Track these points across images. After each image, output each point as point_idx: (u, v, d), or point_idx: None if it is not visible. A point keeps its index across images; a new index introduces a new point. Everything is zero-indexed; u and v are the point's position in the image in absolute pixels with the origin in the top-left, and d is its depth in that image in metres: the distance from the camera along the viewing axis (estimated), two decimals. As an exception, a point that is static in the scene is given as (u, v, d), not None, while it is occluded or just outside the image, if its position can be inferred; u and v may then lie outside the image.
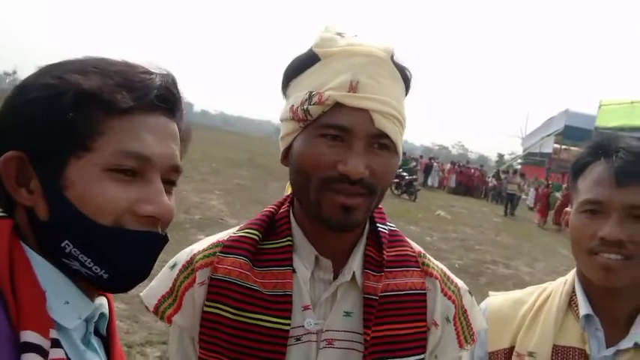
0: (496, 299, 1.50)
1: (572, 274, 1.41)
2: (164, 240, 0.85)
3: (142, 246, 0.81)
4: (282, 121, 1.09)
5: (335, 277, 1.11)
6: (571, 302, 1.36)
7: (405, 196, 21.66)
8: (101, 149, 0.77)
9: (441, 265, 1.24)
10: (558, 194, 21.87)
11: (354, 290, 1.11)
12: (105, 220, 0.77)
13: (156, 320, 4.79)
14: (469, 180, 32.29)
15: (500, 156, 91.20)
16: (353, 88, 0.99)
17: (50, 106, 0.76)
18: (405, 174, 22.39)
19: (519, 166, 43.62)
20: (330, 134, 1.00)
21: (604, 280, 1.25)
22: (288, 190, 1.23)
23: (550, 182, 26.58)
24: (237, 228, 1.18)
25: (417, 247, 1.22)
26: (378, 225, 1.17)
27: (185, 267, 1.13)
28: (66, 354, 0.76)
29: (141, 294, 1.17)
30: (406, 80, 1.08)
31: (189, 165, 18.65)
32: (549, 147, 40.44)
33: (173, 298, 1.13)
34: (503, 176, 31.86)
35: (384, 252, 1.14)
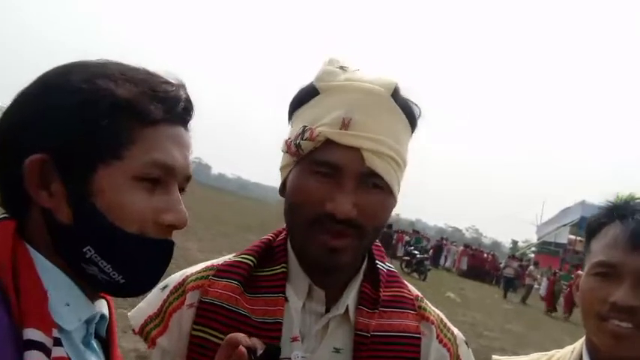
0: None
1: (580, 341, 1.33)
2: (174, 246, 0.86)
3: (161, 253, 0.84)
4: (282, 152, 1.08)
5: (327, 311, 1.07)
6: None
7: (415, 274, 21.31)
8: (131, 158, 0.78)
9: (437, 311, 1.19)
10: (565, 284, 21.64)
11: (345, 326, 1.07)
12: (132, 229, 0.78)
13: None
14: (481, 264, 31.78)
15: (514, 242, 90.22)
16: (345, 125, 0.97)
17: (84, 112, 0.76)
18: (416, 252, 22.20)
19: (532, 255, 43.04)
20: (320, 171, 0.98)
21: (613, 349, 1.17)
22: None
23: (557, 271, 26.34)
24: (234, 254, 1.16)
25: (414, 291, 1.18)
26: (377, 263, 1.14)
27: (176, 288, 1.12)
28: (67, 354, 0.76)
29: (128, 314, 1.15)
30: (411, 117, 1.04)
31: (200, 225, 18.71)
32: (564, 237, 40.10)
33: (160, 319, 1.10)
34: (515, 264, 31.50)
35: (381, 290, 1.10)
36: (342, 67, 1.04)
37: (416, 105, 1.05)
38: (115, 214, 0.77)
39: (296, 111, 1.07)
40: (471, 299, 18.47)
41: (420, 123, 1.07)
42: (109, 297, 0.91)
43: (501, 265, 32.49)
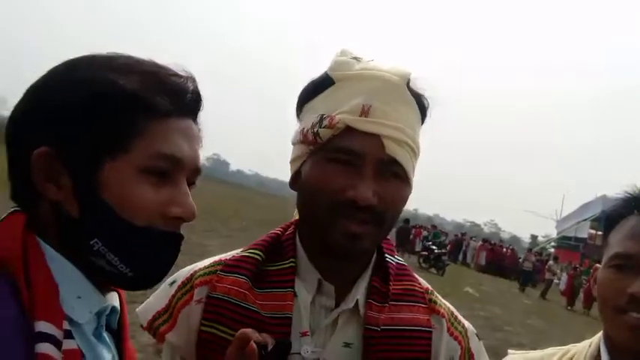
0: (514, 358, 1.43)
1: (598, 336, 1.32)
2: (182, 239, 0.86)
3: (169, 246, 0.84)
4: (292, 144, 1.08)
5: (337, 306, 1.07)
6: None
7: (433, 270, 21.18)
8: (137, 151, 0.78)
9: (448, 304, 1.19)
10: (585, 279, 21.40)
11: (355, 321, 1.07)
12: (139, 222, 0.78)
13: None
14: (500, 259, 31.52)
15: (534, 237, 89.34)
16: (365, 112, 0.97)
17: (90, 105, 0.77)
18: (434, 247, 22.07)
19: (552, 250, 42.58)
20: (340, 159, 0.98)
21: (631, 342, 1.17)
22: (296, 216, 1.20)
23: (577, 266, 26.03)
24: (242, 249, 1.15)
25: (425, 284, 1.18)
26: (386, 256, 1.14)
27: (184, 284, 1.11)
28: (78, 346, 0.77)
29: (137, 310, 1.15)
30: (422, 108, 1.05)
31: (218, 221, 18.79)
32: (585, 232, 39.59)
33: (168, 314, 1.10)
34: (534, 258, 31.22)
35: (390, 284, 1.10)
36: (355, 58, 1.04)
37: (425, 97, 1.06)
38: (123, 207, 0.77)
39: (308, 103, 1.06)
40: (489, 294, 18.33)
41: (430, 114, 1.07)
42: (120, 290, 0.91)
43: (520, 260, 32.26)
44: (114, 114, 0.77)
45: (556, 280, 26.49)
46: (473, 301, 15.00)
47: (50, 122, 0.77)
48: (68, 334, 0.75)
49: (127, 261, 0.80)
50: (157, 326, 1.11)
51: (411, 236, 26.85)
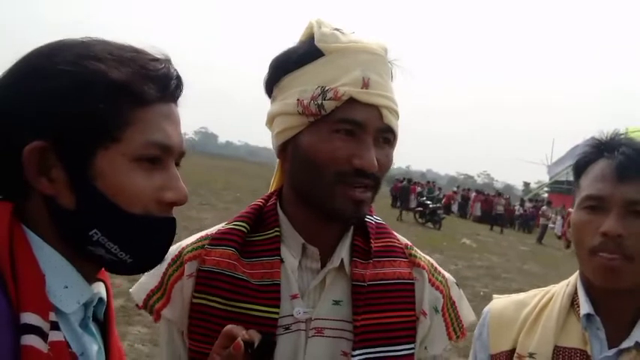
0: (499, 302, 1.48)
1: (575, 275, 1.38)
2: (176, 222, 0.88)
3: (165, 231, 0.85)
4: (278, 115, 1.09)
5: (323, 266, 1.12)
6: (573, 303, 1.33)
7: (429, 224, 21.46)
8: (128, 139, 0.78)
9: (428, 257, 1.25)
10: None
11: (342, 279, 1.12)
12: (136, 210, 0.79)
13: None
14: (494, 209, 31.89)
15: (526, 184, 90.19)
16: (365, 84, 1.02)
17: (79, 96, 0.76)
18: (429, 202, 22.26)
19: (546, 195, 43.02)
20: (343, 129, 1.02)
21: (604, 282, 1.22)
22: (274, 186, 1.25)
23: (571, 209, 26.33)
24: (225, 222, 1.19)
25: (403, 240, 1.24)
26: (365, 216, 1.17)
27: (174, 260, 1.14)
28: (64, 337, 0.77)
29: (130, 290, 1.18)
30: (392, 77, 1.12)
31: (211, 194, 18.82)
32: (576, 174, 39.80)
33: (162, 292, 1.14)
34: (528, 205, 31.60)
35: (372, 242, 1.16)
36: (337, 29, 1.08)
37: (394, 66, 1.12)
38: (119, 196, 0.78)
39: (290, 73, 1.07)
40: (486, 244, 18.61)
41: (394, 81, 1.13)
42: (107, 280, 0.92)
43: (515, 208, 32.63)
44: (103, 104, 0.76)
45: (551, 225, 26.87)
46: (471, 252, 15.23)
47: (38, 115, 0.76)
48: (55, 326, 0.75)
49: (126, 248, 0.81)
50: (152, 304, 1.15)
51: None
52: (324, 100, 1.02)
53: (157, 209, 0.82)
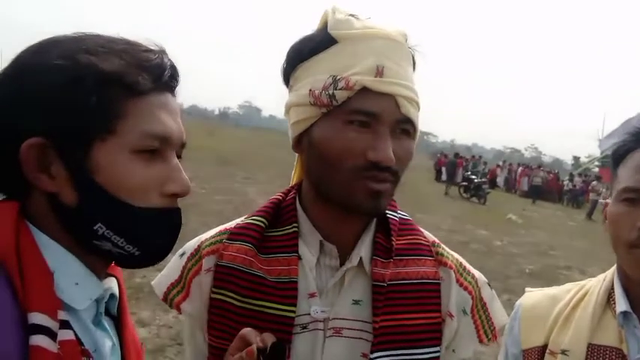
0: (531, 295, 1.43)
1: (612, 270, 1.32)
2: (181, 212, 0.88)
3: (171, 221, 0.85)
4: (293, 106, 1.05)
5: (342, 264, 1.08)
6: (609, 299, 1.28)
7: (474, 199, 21.17)
8: (124, 131, 0.78)
9: (456, 255, 1.19)
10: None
11: (362, 278, 1.08)
12: (137, 202, 0.79)
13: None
14: (543, 183, 31.14)
15: (576, 159, 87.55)
16: (379, 72, 0.97)
17: (71, 90, 0.75)
18: (473, 177, 21.95)
19: (597, 169, 41.78)
20: (357, 120, 0.97)
21: None
22: (294, 180, 1.22)
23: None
24: (245, 216, 1.17)
25: (430, 237, 1.18)
26: (387, 212, 1.14)
27: (193, 255, 1.14)
28: (76, 335, 0.77)
29: (152, 282, 1.20)
30: (414, 63, 1.06)
31: (256, 168, 18.99)
32: (629, 148, 38.41)
33: (182, 285, 1.14)
34: (578, 179, 30.72)
35: (393, 239, 1.11)
36: (352, 15, 1.03)
37: (417, 52, 1.06)
38: (120, 190, 0.78)
39: (304, 62, 1.03)
40: (533, 219, 18.25)
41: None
42: (119, 275, 0.93)
43: (564, 183, 31.80)
44: (96, 97, 0.76)
45: (601, 200, 26.11)
46: (517, 227, 14.98)
47: (32, 111, 0.76)
48: (65, 324, 0.74)
49: (133, 241, 0.81)
50: (172, 297, 1.15)
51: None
52: (336, 89, 0.97)
53: (159, 201, 0.82)
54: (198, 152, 21.38)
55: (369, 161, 0.97)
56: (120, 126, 0.78)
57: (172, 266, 1.17)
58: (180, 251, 1.17)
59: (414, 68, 1.05)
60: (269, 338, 0.93)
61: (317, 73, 1.01)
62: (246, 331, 0.95)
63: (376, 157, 0.96)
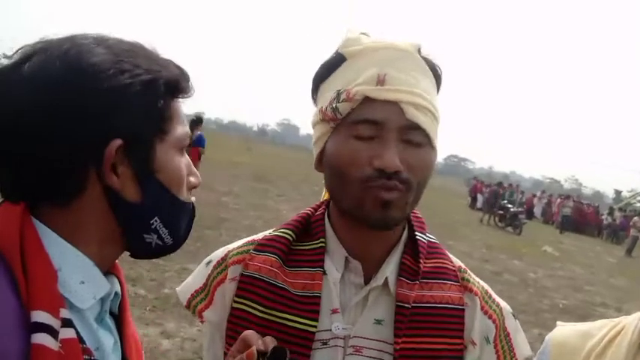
0: (562, 330, 1.37)
1: None
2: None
3: (193, 213, 0.94)
4: (313, 126, 1.08)
5: (367, 283, 1.07)
6: None
7: (509, 229, 20.79)
8: (172, 131, 0.85)
9: (482, 283, 1.17)
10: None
11: (386, 297, 1.07)
12: (182, 196, 0.88)
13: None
14: (581, 216, 30.40)
15: (618, 192, 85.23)
16: (380, 81, 0.97)
17: (145, 94, 0.80)
18: (510, 205, 21.59)
19: (639, 204, 40.59)
20: (362, 132, 0.97)
21: None
22: (325, 196, 1.21)
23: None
24: (273, 229, 1.18)
25: (457, 262, 1.16)
26: (416, 234, 1.13)
27: (219, 263, 1.15)
28: (78, 333, 0.77)
29: (177, 289, 1.23)
30: (437, 76, 1.05)
31: (290, 186, 19.07)
32: (674, 185, 37.28)
33: (205, 293, 1.15)
34: (618, 214, 29.91)
35: (421, 262, 1.09)
36: (364, 34, 1.05)
37: (438, 66, 1.05)
38: (172, 185, 0.85)
39: (322, 83, 1.06)
40: (570, 253, 17.79)
41: (443, 83, 1.06)
42: (120, 274, 0.93)
43: (602, 217, 30.99)
44: (162, 100, 0.83)
45: (643, 237, 25.35)
46: (552, 260, 14.62)
47: (105, 113, 0.77)
48: (66, 322, 0.75)
49: (173, 232, 0.88)
50: (195, 304, 1.17)
51: (486, 195, 26.36)
52: (338, 102, 0.98)
53: (187, 194, 0.90)
54: (234, 168, 21.59)
55: (375, 170, 0.96)
56: (170, 127, 0.85)
57: (198, 274, 1.18)
58: (207, 260, 1.19)
59: (437, 81, 1.05)
60: (270, 342, 0.93)
61: (327, 91, 1.04)
62: (248, 333, 0.94)
63: (381, 164, 0.95)
